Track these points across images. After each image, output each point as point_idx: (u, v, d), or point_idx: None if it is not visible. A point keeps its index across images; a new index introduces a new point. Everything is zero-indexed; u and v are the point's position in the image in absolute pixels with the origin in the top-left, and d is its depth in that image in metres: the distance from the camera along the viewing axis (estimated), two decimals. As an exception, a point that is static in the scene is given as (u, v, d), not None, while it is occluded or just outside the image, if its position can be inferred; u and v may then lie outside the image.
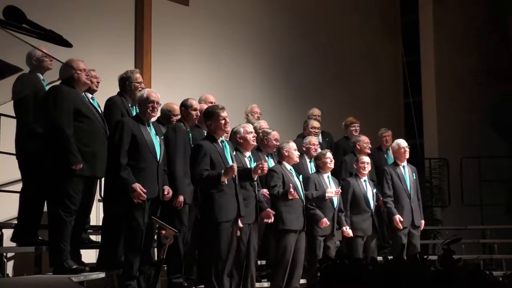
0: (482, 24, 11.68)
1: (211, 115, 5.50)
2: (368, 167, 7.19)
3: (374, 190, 7.24)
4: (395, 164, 7.44)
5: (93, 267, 5.29)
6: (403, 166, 7.41)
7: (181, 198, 5.49)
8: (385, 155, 8.15)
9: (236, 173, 5.34)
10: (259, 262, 6.48)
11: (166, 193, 5.27)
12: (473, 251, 9.15)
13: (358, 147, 7.58)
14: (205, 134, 5.93)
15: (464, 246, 8.87)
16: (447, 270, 2.82)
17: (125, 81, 5.74)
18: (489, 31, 11.68)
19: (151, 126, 5.28)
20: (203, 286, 5.59)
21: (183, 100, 5.95)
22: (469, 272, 2.79)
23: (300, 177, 6.59)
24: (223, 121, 5.48)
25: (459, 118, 11.27)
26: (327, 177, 6.81)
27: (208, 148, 5.37)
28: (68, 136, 4.98)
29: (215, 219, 5.29)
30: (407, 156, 7.42)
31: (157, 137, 5.27)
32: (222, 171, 5.23)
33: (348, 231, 6.82)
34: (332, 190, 6.56)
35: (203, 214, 5.48)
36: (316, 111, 8.40)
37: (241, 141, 5.92)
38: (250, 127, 6.02)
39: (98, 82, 5.78)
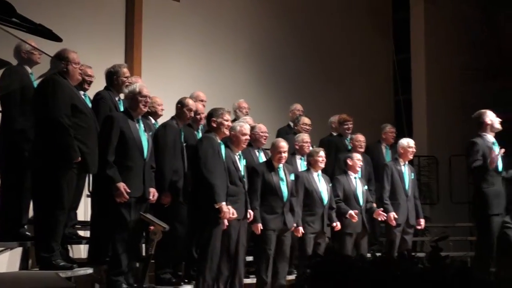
0: (473, 22, 11.70)
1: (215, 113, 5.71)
2: (360, 165, 7.17)
3: (365, 187, 7.21)
4: (397, 161, 7.46)
5: (81, 263, 5.26)
6: (404, 165, 7.44)
7: (167, 196, 5.49)
8: (384, 151, 8.14)
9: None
10: (247, 258, 6.47)
11: (151, 197, 5.21)
12: (461, 248, 9.18)
13: (352, 145, 7.60)
14: (196, 133, 6.00)
15: (452, 243, 8.91)
16: (434, 267, 2.83)
17: (112, 76, 5.66)
18: (480, 29, 11.71)
19: (140, 122, 5.23)
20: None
21: (181, 98, 5.94)
22: (456, 269, 2.80)
23: (292, 175, 6.49)
24: (226, 122, 5.71)
25: (448, 116, 11.29)
26: (317, 175, 6.79)
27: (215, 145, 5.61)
28: (67, 129, 4.78)
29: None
30: (411, 156, 7.53)
31: (145, 133, 5.22)
32: (223, 203, 5.39)
33: (338, 226, 6.84)
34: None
35: (195, 207, 5.54)
36: (299, 106, 8.33)
37: (234, 139, 5.89)
38: (247, 129, 5.97)
39: (91, 82, 5.73)
